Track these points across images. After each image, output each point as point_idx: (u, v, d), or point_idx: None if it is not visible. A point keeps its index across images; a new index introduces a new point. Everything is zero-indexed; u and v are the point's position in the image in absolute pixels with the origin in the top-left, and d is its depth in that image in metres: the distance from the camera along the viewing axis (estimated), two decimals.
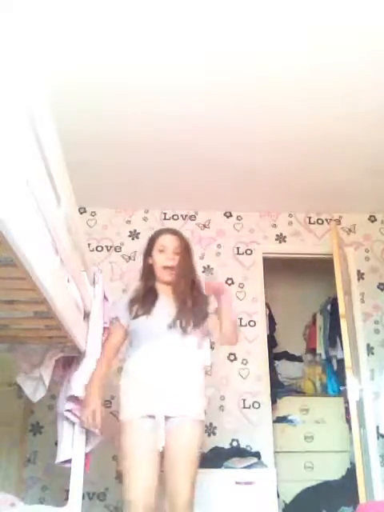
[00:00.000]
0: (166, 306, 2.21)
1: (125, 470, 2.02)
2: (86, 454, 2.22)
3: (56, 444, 2.30)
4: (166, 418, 2.03)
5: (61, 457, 2.21)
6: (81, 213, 3.97)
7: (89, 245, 3.54)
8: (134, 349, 2.20)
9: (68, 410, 2.20)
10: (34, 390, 2.32)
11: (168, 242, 2.31)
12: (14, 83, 1.19)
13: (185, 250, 2.32)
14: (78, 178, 2.22)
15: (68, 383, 2.26)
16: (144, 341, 2.15)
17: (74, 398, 2.19)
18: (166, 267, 2.25)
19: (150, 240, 2.37)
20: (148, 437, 2.01)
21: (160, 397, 2.05)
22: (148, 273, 2.32)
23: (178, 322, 2.14)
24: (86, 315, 2.31)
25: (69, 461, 2.20)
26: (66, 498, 2.16)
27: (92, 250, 3.93)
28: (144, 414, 2.04)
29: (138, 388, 2.10)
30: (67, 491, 2.17)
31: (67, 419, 2.23)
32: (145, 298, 2.23)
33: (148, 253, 2.34)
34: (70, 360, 2.37)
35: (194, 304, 2.18)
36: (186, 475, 1.98)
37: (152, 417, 2.03)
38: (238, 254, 4.11)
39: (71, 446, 2.21)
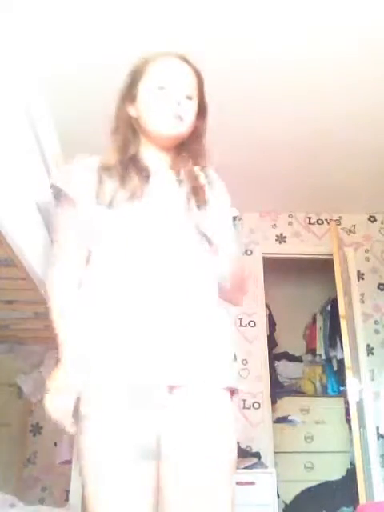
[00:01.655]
0: (165, 187, 1.24)
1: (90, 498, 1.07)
2: None
3: (56, 444, 2.30)
4: (171, 388, 1.09)
5: (61, 457, 2.22)
6: None
7: None
8: (103, 261, 1.16)
9: None
10: (34, 390, 2.32)
11: (176, 75, 1.24)
12: (14, 84, 1.19)
13: (202, 97, 1.30)
14: None
15: None
16: (126, 248, 1.14)
17: None
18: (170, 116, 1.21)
19: (135, 69, 1.27)
20: (137, 433, 1.06)
21: (166, 350, 1.08)
22: (127, 129, 1.30)
23: (192, 218, 1.18)
24: None
25: (69, 461, 2.21)
26: (66, 498, 2.16)
27: None
28: (132, 382, 1.07)
29: (125, 335, 1.10)
30: (67, 491, 2.17)
31: None
32: (127, 171, 1.21)
33: (129, 93, 1.28)
34: None
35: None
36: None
37: (145, 389, 1.07)
38: None
39: (71, 446, 2.22)
